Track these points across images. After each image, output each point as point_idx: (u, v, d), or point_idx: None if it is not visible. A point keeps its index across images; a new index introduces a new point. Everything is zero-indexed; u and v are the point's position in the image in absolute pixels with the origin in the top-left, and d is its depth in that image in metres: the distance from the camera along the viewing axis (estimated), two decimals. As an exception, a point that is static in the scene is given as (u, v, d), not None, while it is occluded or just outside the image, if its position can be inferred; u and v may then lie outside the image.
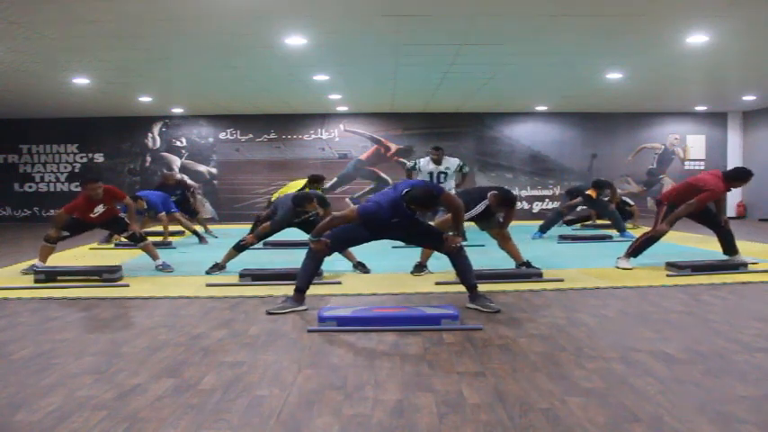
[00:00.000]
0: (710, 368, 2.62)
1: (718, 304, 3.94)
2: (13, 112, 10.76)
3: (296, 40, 5.77)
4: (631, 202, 9.34)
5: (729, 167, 11.78)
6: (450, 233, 3.86)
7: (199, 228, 8.45)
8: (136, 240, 5.55)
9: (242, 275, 4.84)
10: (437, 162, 7.09)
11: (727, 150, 12.00)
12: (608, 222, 8.46)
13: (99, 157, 11.76)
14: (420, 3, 4.70)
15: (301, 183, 6.98)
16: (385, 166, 11.67)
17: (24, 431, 2.03)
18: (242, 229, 5.39)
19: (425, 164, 7.17)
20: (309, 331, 3.33)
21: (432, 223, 4.50)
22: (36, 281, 4.84)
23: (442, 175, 7.11)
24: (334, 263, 5.34)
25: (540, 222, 8.48)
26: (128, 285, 4.76)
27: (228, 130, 11.72)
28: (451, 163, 7.18)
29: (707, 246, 6.80)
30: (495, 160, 11.84)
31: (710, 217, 5.40)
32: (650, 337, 3.15)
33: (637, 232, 7.54)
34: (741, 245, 5.55)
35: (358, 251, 5.31)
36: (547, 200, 11.86)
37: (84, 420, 2.11)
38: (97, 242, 7.67)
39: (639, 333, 3.24)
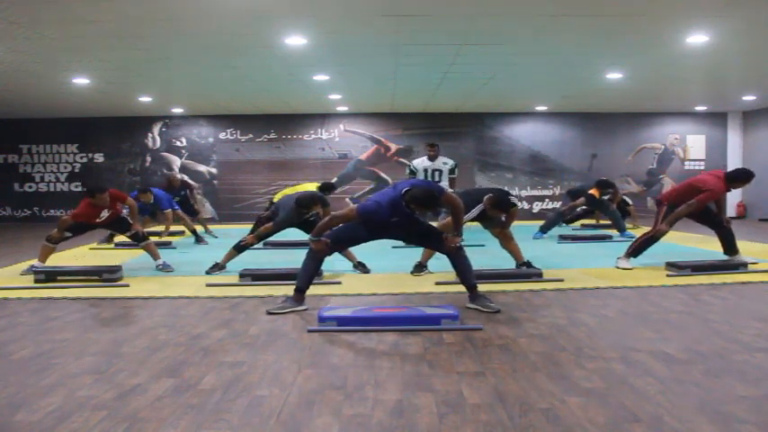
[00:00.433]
0: (710, 368, 2.62)
1: (718, 304, 3.94)
2: (13, 112, 10.76)
3: (296, 40, 5.77)
4: (629, 201, 9.33)
5: (729, 167, 11.82)
6: (450, 233, 3.87)
7: (199, 228, 8.45)
8: (138, 240, 5.56)
9: (242, 275, 4.84)
10: (432, 159, 7.10)
11: (727, 150, 12.00)
12: (608, 222, 8.47)
13: (99, 157, 11.76)
14: (420, 3, 4.70)
15: (311, 186, 6.95)
16: (385, 166, 11.67)
17: (24, 431, 2.03)
18: (242, 230, 5.39)
19: (420, 162, 7.18)
20: (309, 331, 3.33)
21: (434, 224, 4.49)
22: (36, 281, 4.84)
23: (437, 173, 7.12)
24: (334, 263, 5.34)
25: (541, 222, 8.49)
26: (128, 285, 4.77)
27: (228, 130, 11.72)
28: (447, 162, 7.21)
29: (707, 246, 6.81)
30: (495, 160, 11.84)
31: (711, 217, 5.41)
32: (650, 337, 3.15)
33: (637, 232, 7.54)
34: (741, 245, 5.55)
35: (358, 251, 5.31)
36: (547, 200, 11.86)
37: (84, 420, 2.11)
38: (96, 242, 7.67)
39: (639, 333, 3.24)
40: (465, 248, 3.94)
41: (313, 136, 11.75)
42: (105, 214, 5.36)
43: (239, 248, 5.29)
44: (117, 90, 8.53)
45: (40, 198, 11.79)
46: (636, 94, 9.41)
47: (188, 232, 8.17)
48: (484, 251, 6.36)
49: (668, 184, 11.69)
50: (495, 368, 2.66)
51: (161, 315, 3.80)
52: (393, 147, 11.78)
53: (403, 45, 6.04)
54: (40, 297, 4.35)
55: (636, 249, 5.38)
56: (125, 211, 5.76)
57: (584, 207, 8.45)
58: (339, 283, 4.81)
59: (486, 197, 4.85)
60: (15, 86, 8.02)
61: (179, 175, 11.46)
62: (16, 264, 5.96)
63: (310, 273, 3.87)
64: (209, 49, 6.13)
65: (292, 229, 5.51)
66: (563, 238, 7.72)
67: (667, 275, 4.94)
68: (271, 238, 6.12)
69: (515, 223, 5.38)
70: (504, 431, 2.01)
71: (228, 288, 4.63)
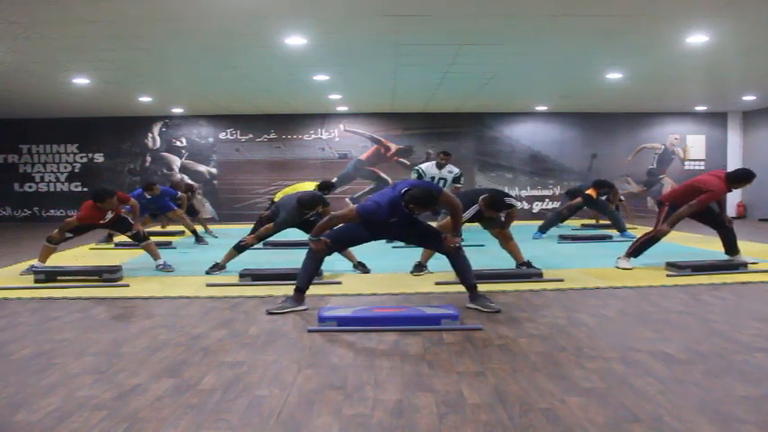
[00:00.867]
0: (710, 368, 2.62)
1: (718, 304, 3.94)
2: (13, 112, 10.77)
3: (296, 40, 5.77)
4: (622, 198, 9.22)
5: (729, 167, 11.83)
6: (449, 234, 3.87)
7: (199, 228, 8.45)
8: (139, 240, 5.56)
9: (242, 275, 4.84)
10: (441, 167, 7.09)
11: (727, 150, 12.00)
12: (608, 222, 8.46)
13: (99, 157, 11.76)
14: (420, 3, 4.71)
15: (310, 186, 6.96)
16: (385, 166, 11.68)
17: (24, 431, 2.03)
18: (242, 229, 5.39)
19: (428, 168, 7.16)
20: (309, 331, 3.33)
21: (433, 224, 4.49)
22: (36, 281, 4.84)
23: (442, 181, 7.12)
24: (334, 263, 5.34)
25: (541, 222, 8.49)
26: (128, 285, 4.76)
27: (228, 130, 11.72)
28: (452, 171, 7.20)
29: (707, 246, 6.81)
30: (495, 160, 11.84)
31: (713, 217, 5.40)
32: (650, 337, 3.15)
33: (638, 232, 7.54)
34: (741, 245, 5.55)
35: (358, 251, 5.31)
36: (547, 200, 11.87)
37: (84, 420, 2.11)
38: (95, 242, 7.67)
39: (639, 333, 3.24)
40: (465, 248, 3.94)
41: (313, 136, 11.75)
42: (110, 216, 5.37)
43: (239, 248, 5.29)
44: (117, 90, 8.53)
45: (40, 198, 11.79)
46: (636, 94, 9.41)
47: (188, 232, 8.17)
48: (484, 251, 6.36)
49: (668, 185, 11.70)
50: (495, 368, 2.66)
51: (161, 315, 3.80)
52: (393, 147, 11.78)
53: (403, 45, 6.04)
54: (40, 297, 4.35)
55: (636, 249, 5.38)
56: (125, 210, 5.76)
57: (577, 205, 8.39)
58: (339, 283, 4.81)
59: (481, 198, 4.84)
60: (15, 86, 8.02)
61: (178, 175, 11.53)
62: (16, 264, 5.96)
63: (310, 273, 3.87)
64: (209, 49, 6.13)
65: (292, 228, 5.51)
66: (563, 238, 7.72)
67: (667, 275, 4.94)
68: (271, 238, 6.12)
69: (515, 223, 5.38)
70: (504, 431, 2.01)
71: (228, 288, 4.63)
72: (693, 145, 11.98)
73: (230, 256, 5.33)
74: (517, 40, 5.89)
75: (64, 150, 11.74)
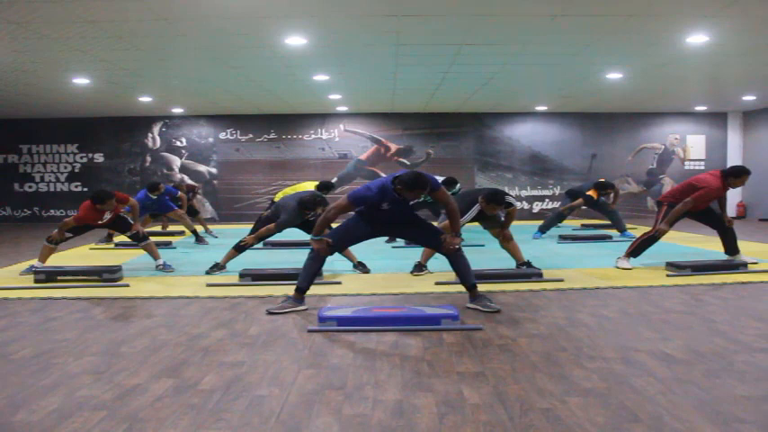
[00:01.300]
0: (710, 368, 2.62)
1: (718, 304, 3.94)
2: (13, 112, 10.77)
3: (296, 40, 5.77)
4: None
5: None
6: (449, 234, 3.86)
7: (199, 228, 8.46)
8: (139, 240, 5.56)
9: (242, 275, 4.84)
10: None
11: (727, 150, 12.00)
12: (608, 222, 8.46)
13: (99, 157, 11.76)
14: (420, 3, 4.71)
15: (310, 186, 6.95)
16: (385, 166, 11.68)
17: (24, 431, 2.03)
18: (242, 229, 5.39)
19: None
20: (309, 331, 3.33)
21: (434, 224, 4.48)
22: (36, 281, 4.84)
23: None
24: (334, 263, 5.34)
25: (541, 222, 8.49)
26: (128, 285, 4.77)
27: (228, 130, 11.72)
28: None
29: (707, 246, 6.81)
30: (496, 160, 11.84)
31: (714, 217, 5.40)
32: (650, 337, 3.15)
33: (637, 233, 7.54)
34: (741, 245, 5.55)
35: (358, 251, 5.31)
36: (547, 200, 11.87)
37: (84, 420, 2.11)
38: (95, 242, 7.68)
39: (639, 333, 3.24)
40: (464, 248, 3.93)
41: (313, 136, 11.75)
42: (108, 216, 5.36)
43: (239, 248, 5.29)
44: (117, 90, 8.53)
45: (40, 198, 11.79)
46: (636, 94, 9.41)
47: (188, 232, 8.18)
48: (484, 251, 6.36)
49: (668, 185, 11.70)
50: (495, 368, 2.66)
51: (161, 315, 3.80)
52: (393, 147, 11.78)
53: (403, 45, 6.04)
54: (40, 297, 4.35)
55: (636, 249, 5.39)
56: (125, 210, 5.76)
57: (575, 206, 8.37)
58: (339, 283, 4.81)
59: (480, 197, 4.86)
60: (15, 86, 8.02)
61: (178, 175, 11.55)
62: (16, 264, 5.97)
63: (311, 273, 3.86)
64: (209, 49, 6.13)
65: (292, 228, 5.51)
66: (563, 238, 7.72)
67: (667, 275, 4.94)
68: (271, 238, 6.12)
69: (515, 223, 5.38)
70: (504, 431, 2.01)
71: (228, 288, 4.63)
72: (693, 145, 11.98)
73: (230, 257, 5.33)
74: (517, 40, 5.89)
75: (64, 150, 11.74)
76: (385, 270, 5.40)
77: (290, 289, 3.99)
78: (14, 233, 9.59)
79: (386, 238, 7.43)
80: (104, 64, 6.72)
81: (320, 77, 7.80)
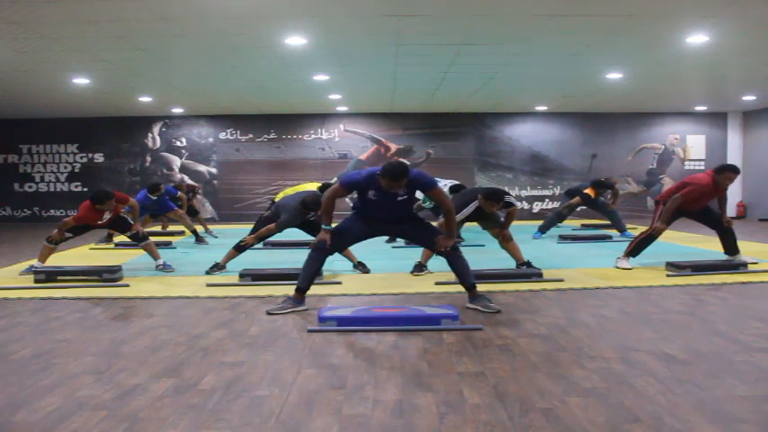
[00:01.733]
0: (710, 368, 2.62)
1: (718, 304, 3.94)
2: (13, 112, 10.77)
3: (296, 40, 5.77)
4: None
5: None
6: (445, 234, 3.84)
7: (199, 228, 8.46)
8: (139, 240, 5.56)
9: (242, 275, 4.84)
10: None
11: (727, 150, 12.00)
12: (608, 222, 8.46)
13: (99, 158, 11.76)
14: (420, 3, 4.71)
15: (311, 186, 6.94)
16: (385, 166, 11.65)
17: (24, 431, 2.03)
18: (242, 230, 5.38)
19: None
20: (309, 331, 3.33)
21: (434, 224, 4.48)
22: (36, 281, 4.83)
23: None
24: (334, 263, 5.34)
25: (541, 222, 8.49)
26: (128, 285, 4.77)
27: (228, 130, 11.72)
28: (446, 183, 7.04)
29: (707, 246, 6.81)
30: (496, 160, 11.84)
31: (713, 217, 5.40)
32: (650, 337, 3.15)
33: (637, 233, 7.53)
34: (741, 245, 5.55)
35: (358, 251, 5.31)
36: (547, 200, 11.87)
37: (84, 420, 2.11)
38: (95, 242, 7.68)
39: (639, 333, 3.24)
40: (464, 248, 3.93)
41: (313, 136, 11.75)
42: (107, 216, 5.36)
43: (239, 248, 5.29)
44: (117, 90, 8.53)
45: (40, 198, 11.79)
46: (636, 94, 9.41)
47: (188, 232, 8.18)
48: (484, 251, 6.36)
49: (668, 185, 11.70)
50: (495, 368, 2.66)
51: (161, 315, 3.80)
52: (393, 147, 11.78)
53: (403, 45, 6.04)
54: (40, 297, 4.35)
55: (634, 249, 5.39)
56: (125, 210, 5.76)
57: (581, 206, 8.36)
58: (339, 283, 4.81)
59: (479, 195, 4.86)
60: (15, 86, 8.02)
61: (178, 175, 11.55)
62: (16, 264, 5.97)
63: (311, 273, 3.86)
64: (209, 49, 6.13)
65: (292, 228, 5.51)
66: (563, 238, 7.72)
67: (667, 275, 4.94)
68: (271, 238, 6.11)
69: (515, 223, 5.38)
70: (504, 431, 2.01)
71: (228, 288, 4.63)
72: (693, 145, 11.98)
73: (230, 257, 5.33)
74: (517, 40, 5.89)
75: (64, 150, 11.74)
76: (385, 270, 5.40)
77: (290, 289, 3.99)
78: (14, 233, 9.59)
79: (386, 238, 7.43)
80: (104, 64, 6.72)
81: (320, 77, 7.80)
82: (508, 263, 5.29)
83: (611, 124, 11.82)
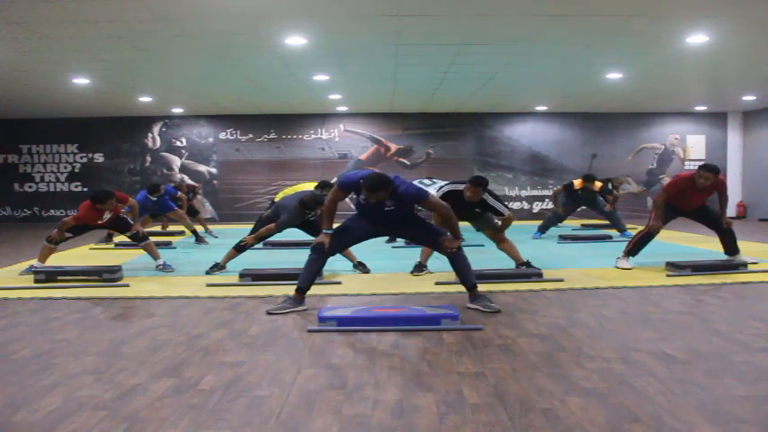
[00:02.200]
0: (710, 368, 2.62)
1: (718, 304, 3.94)
2: (13, 112, 10.77)
3: (296, 40, 5.77)
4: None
5: (729, 168, 11.88)
6: (449, 234, 3.85)
7: (199, 228, 8.46)
8: (139, 240, 5.55)
9: (242, 275, 4.84)
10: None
11: (727, 150, 12.00)
12: (608, 222, 8.45)
13: (99, 158, 11.77)
14: (420, 3, 4.71)
15: (310, 186, 6.95)
16: (385, 166, 11.67)
17: (24, 431, 2.03)
18: (242, 230, 5.38)
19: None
20: (309, 331, 3.33)
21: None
22: (36, 281, 4.83)
23: None
24: (334, 263, 5.33)
25: (540, 222, 8.49)
26: (128, 285, 4.77)
27: (228, 130, 11.72)
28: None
29: (707, 246, 6.81)
30: (495, 160, 11.84)
31: (713, 218, 5.39)
32: (650, 337, 3.15)
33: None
34: (741, 245, 5.54)
35: (358, 251, 5.31)
36: (547, 200, 11.86)
37: (84, 420, 2.11)
38: (95, 242, 7.68)
39: (639, 333, 3.23)
40: (464, 248, 3.93)
41: (313, 136, 11.75)
42: (107, 216, 5.36)
43: (239, 248, 5.29)
44: (117, 90, 8.53)
45: (40, 198, 11.79)
46: (636, 94, 9.41)
47: (188, 232, 8.18)
48: (484, 251, 6.35)
49: (668, 185, 11.69)
50: (495, 368, 2.66)
51: (161, 315, 3.80)
52: (393, 147, 11.78)
53: (403, 45, 6.04)
54: (40, 297, 4.35)
55: (633, 248, 5.40)
56: (125, 210, 5.76)
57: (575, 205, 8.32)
58: (339, 283, 4.81)
59: (464, 186, 4.83)
60: (15, 86, 8.02)
61: (178, 176, 11.56)
62: (16, 264, 5.96)
63: (312, 273, 3.86)
64: (209, 49, 6.13)
65: (293, 229, 5.51)
66: (563, 238, 7.72)
67: (667, 275, 4.94)
68: (271, 238, 6.11)
69: (515, 223, 5.37)
70: (504, 431, 2.01)
71: (228, 288, 4.63)
72: (693, 145, 11.98)
73: (230, 257, 5.33)
74: (517, 40, 5.89)
75: (64, 150, 11.74)
76: (385, 270, 5.40)
77: (290, 289, 3.99)
78: (14, 233, 9.59)
79: (386, 238, 7.42)
80: (104, 64, 6.72)
81: (320, 77, 7.80)
82: (508, 263, 5.29)
83: (611, 124, 11.82)
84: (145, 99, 9.47)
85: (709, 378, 2.49)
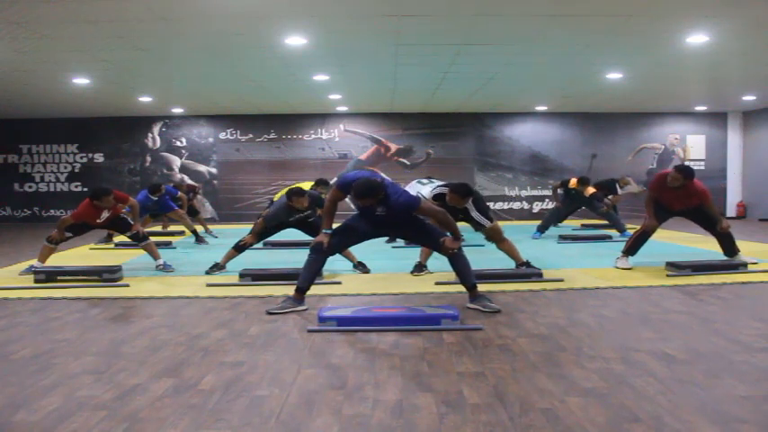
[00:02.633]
0: (710, 368, 2.62)
1: (718, 304, 3.94)
2: (13, 112, 10.77)
3: (296, 40, 5.77)
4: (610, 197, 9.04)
5: (729, 168, 11.87)
6: (449, 234, 3.85)
7: (199, 228, 8.46)
8: (139, 240, 5.55)
9: (242, 275, 4.84)
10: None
11: (727, 150, 12.00)
12: (607, 222, 8.45)
13: (99, 158, 11.76)
14: (420, 3, 4.71)
15: (308, 185, 6.96)
16: (385, 166, 11.67)
17: (24, 431, 2.03)
18: (242, 230, 5.38)
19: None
20: (309, 331, 3.33)
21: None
22: (36, 281, 4.83)
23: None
24: (334, 263, 5.33)
25: (539, 222, 8.49)
26: (128, 285, 4.76)
27: (228, 130, 11.72)
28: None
29: (707, 246, 6.80)
30: (495, 160, 11.84)
31: (709, 220, 5.36)
32: (650, 337, 3.15)
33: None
34: (741, 245, 5.54)
35: (358, 251, 5.31)
36: (547, 200, 11.86)
37: (84, 420, 2.11)
38: (95, 242, 7.68)
39: (639, 333, 3.23)
40: (464, 248, 3.93)
41: (313, 136, 11.75)
42: (106, 215, 5.36)
43: (239, 248, 5.29)
44: (117, 90, 8.53)
45: (40, 198, 11.79)
46: (636, 94, 9.41)
47: (188, 232, 8.18)
48: (484, 251, 6.35)
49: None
50: (495, 368, 2.66)
51: (161, 315, 3.80)
52: (393, 147, 11.78)
53: (403, 45, 6.04)
54: (40, 297, 4.35)
55: (631, 247, 5.41)
56: (125, 210, 5.75)
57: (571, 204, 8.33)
58: (339, 283, 4.81)
59: (447, 195, 4.85)
60: (15, 86, 8.02)
61: (178, 175, 11.56)
62: (16, 264, 5.96)
63: (312, 273, 3.86)
64: (209, 49, 6.13)
65: (293, 229, 5.51)
66: (563, 238, 7.72)
67: (667, 275, 4.94)
68: (271, 238, 6.11)
69: (515, 223, 5.37)
70: (504, 431, 2.01)
71: (228, 288, 4.63)
72: (693, 145, 11.98)
73: (230, 257, 5.33)
74: (517, 40, 5.89)
75: (64, 150, 11.74)
76: (385, 270, 5.40)
77: (289, 289, 3.99)
78: (14, 233, 9.59)
79: (386, 238, 7.42)
80: (104, 64, 6.72)
81: (320, 77, 7.80)
82: (508, 263, 5.28)
83: (611, 124, 11.82)
84: (145, 99, 9.47)
85: (709, 378, 2.49)
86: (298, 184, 6.90)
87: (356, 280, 4.95)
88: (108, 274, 4.90)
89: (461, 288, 3.99)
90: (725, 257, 5.41)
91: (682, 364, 2.68)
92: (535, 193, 11.89)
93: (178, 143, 11.75)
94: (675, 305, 3.93)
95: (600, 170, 11.53)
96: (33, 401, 2.29)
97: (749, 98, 10.08)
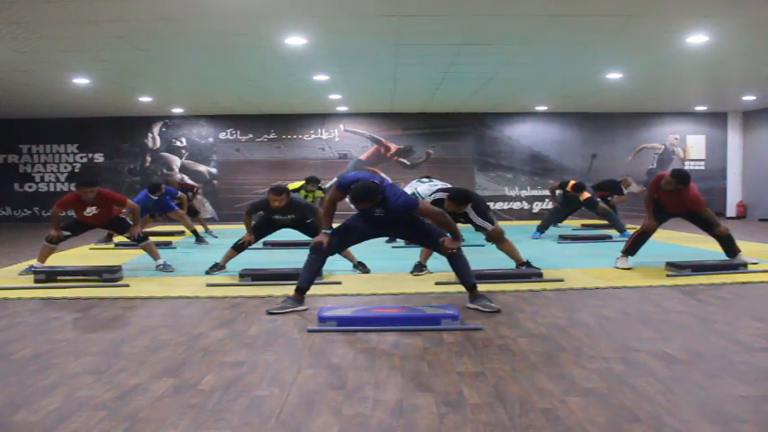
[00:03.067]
0: (710, 368, 2.62)
1: (718, 304, 3.94)
2: (13, 112, 10.76)
3: (296, 40, 5.77)
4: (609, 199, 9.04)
5: (729, 168, 11.87)
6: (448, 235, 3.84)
7: (199, 228, 8.45)
8: (138, 240, 5.55)
9: (242, 275, 4.84)
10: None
11: (727, 150, 11.99)
12: (607, 222, 8.44)
13: (99, 157, 11.76)
14: (420, 3, 4.71)
15: (298, 184, 6.98)
16: (385, 166, 11.67)
17: (24, 431, 2.03)
18: (242, 230, 5.38)
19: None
20: (309, 331, 3.33)
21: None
22: (36, 281, 4.83)
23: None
24: (334, 263, 5.33)
25: (539, 222, 8.49)
26: (128, 285, 4.76)
27: (228, 130, 11.72)
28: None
29: (707, 246, 6.80)
30: (496, 160, 11.84)
31: (707, 222, 5.35)
32: (650, 337, 3.15)
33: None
34: (741, 245, 5.53)
35: (358, 251, 5.31)
36: (547, 200, 11.84)
37: (84, 420, 2.11)
38: (95, 242, 7.67)
39: (639, 333, 3.24)
40: (464, 248, 3.93)
41: (313, 136, 11.75)
42: (93, 210, 5.31)
43: (238, 248, 5.29)
44: (117, 90, 8.53)
45: (40, 198, 11.79)
46: (636, 94, 9.41)
47: (188, 232, 8.18)
48: (484, 251, 6.35)
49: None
50: (495, 368, 2.66)
51: (161, 315, 3.80)
52: (393, 147, 11.78)
53: (403, 45, 6.04)
54: (39, 297, 4.35)
55: (631, 247, 5.41)
56: (126, 211, 5.74)
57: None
58: (339, 283, 4.81)
59: (445, 201, 4.89)
60: (15, 86, 8.02)
61: (178, 176, 11.56)
62: (16, 264, 5.96)
63: (312, 273, 3.87)
64: (209, 49, 6.13)
65: (292, 229, 5.51)
66: (563, 238, 7.72)
67: (667, 275, 4.94)
68: (271, 238, 6.11)
69: (515, 223, 5.37)
70: (504, 431, 2.01)
71: (228, 288, 4.63)
72: (693, 145, 11.97)
73: (229, 256, 5.34)
74: (517, 40, 5.89)
75: (64, 150, 11.73)
76: (385, 270, 5.40)
77: (289, 289, 3.99)
78: (14, 233, 9.59)
79: (386, 238, 7.42)
80: (104, 64, 6.72)
81: (320, 77, 7.80)
82: (508, 263, 5.28)
83: (611, 124, 11.81)
84: (145, 99, 9.47)
85: (709, 378, 2.49)
86: (292, 185, 6.93)
87: (356, 280, 4.95)
88: (108, 274, 4.90)
89: (461, 288, 3.99)
90: (725, 257, 5.41)
91: (682, 364, 2.69)
92: (535, 193, 11.88)
93: (178, 143, 11.75)
94: (675, 305, 3.93)
95: (600, 170, 11.53)
96: (33, 401, 2.29)
97: (749, 98, 10.07)
